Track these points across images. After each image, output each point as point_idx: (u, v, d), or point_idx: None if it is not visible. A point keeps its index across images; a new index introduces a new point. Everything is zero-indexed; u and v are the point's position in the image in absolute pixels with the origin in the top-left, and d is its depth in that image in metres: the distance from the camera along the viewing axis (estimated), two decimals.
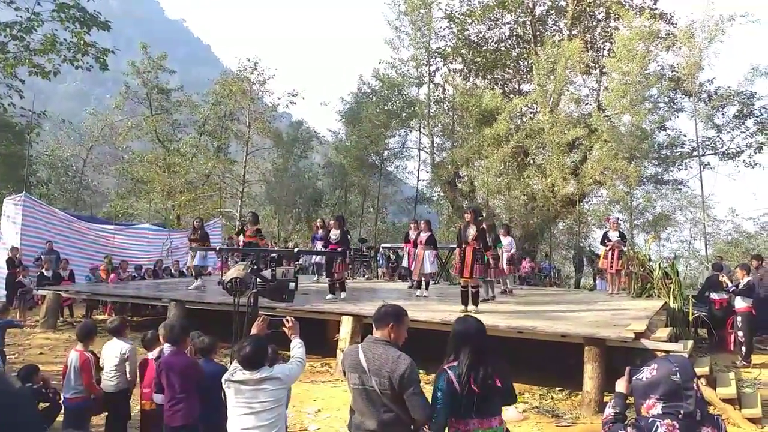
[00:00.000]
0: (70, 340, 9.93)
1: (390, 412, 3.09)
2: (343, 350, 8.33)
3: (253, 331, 3.97)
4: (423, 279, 11.36)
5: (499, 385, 3.15)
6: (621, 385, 2.60)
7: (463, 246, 8.98)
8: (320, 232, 12.63)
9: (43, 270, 13.59)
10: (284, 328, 3.98)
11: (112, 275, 14.59)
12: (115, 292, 12.38)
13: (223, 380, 3.62)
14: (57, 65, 15.09)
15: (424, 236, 11.22)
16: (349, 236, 11.89)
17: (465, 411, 3.11)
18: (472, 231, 8.94)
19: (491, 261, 9.99)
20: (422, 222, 11.80)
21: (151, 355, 5.34)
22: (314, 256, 13.97)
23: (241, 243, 11.64)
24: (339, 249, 10.52)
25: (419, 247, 11.22)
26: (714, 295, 10.75)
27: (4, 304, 7.70)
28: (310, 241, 13.57)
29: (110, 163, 31.18)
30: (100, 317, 13.20)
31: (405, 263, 12.51)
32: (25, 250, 14.51)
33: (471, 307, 8.97)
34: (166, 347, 5.11)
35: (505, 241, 12.03)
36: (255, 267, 4.83)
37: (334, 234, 10.80)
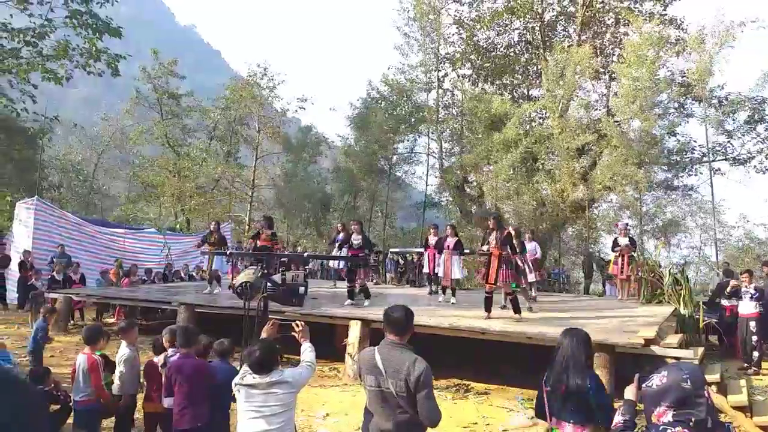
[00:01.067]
0: (80, 343, 9.95)
1: (405, 414, 3.15)
2: (352, 354, 8.37)
3: (263, 335, 4.00)
4: (450, 286, 11.34)
5: (564, 391, 3.47)
6: (630, 392, 2.59)
7: (488, 253, 8.98)
8: (341, 235, 12.62)
9: (55, 273, 13.70)
10: (294, 333, 4.01)
11: (125, 279, 14.67)
12: (125, 295, 12.45)
13: (233, 384, 3.64)
14: (69, 71, 15.26)
15: (451, 241, 11.20)
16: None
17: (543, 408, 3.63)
18: (494, 237, 8.95)
19: (520, 266, 9.89)
20: (448, 227, 11.76)
21: (157, 359, 5.38)
22: (335, 263, 13.80)
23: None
24: (362, 254, 10.52)
25: (446, 253, 11.20)
26: (725, 302, 10.67)
27: (52, 306, 7.11)
28: (331, 243, 13.46)
29: (121, 168, 31.47)
30: (110, 320, 13.30)
31: (426, 269, 12.50)
32: (36, 253, 14.64)
33: (515, 315, 8.93)
34: (171, 351, 5.15)
35: (530, 246, 12.01)
36: (265, 271, 4.86)
37: (356, 239, 10.74)
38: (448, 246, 11.16)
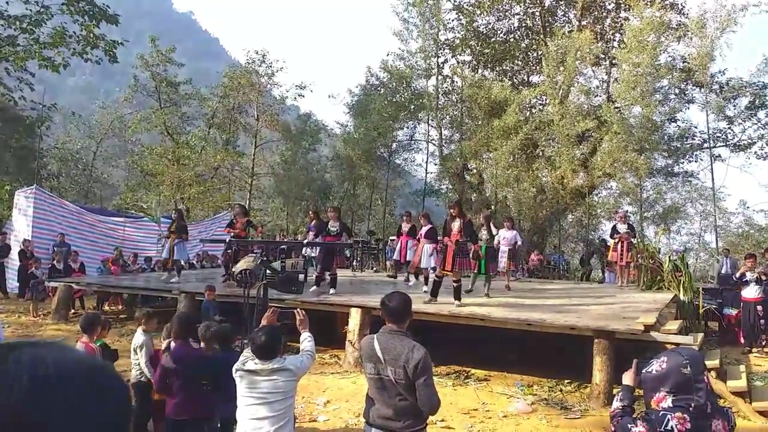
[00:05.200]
0: (81, 332, 10.01)
1: (405, 400, 3.17)
2: (352, 342, 8.39)
3: (263, 322, 3.99)
4: (423, 273, 11.29)
5: None
6: (628, 378, 2.58)
7: (447, 239, 9.06)
8: (313, 223, 12.50)
9: (55, 262, 13.72)
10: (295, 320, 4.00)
11: (114, 267, 14.62)
12: (125, 284, 12.48)
13: (234, 369, 3.63)
14: (66, 58, 15.17)
15: (424, 229, 11.16)
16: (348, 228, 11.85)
17: None
18: (456, 224, 8.99)
19: (480, 254, 9.91)
20: (421, 215, 11.75)
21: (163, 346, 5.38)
22: (307, 250, 13.53)
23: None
24: (341, 240, 10.44)
25: (420, 240, 11.17)
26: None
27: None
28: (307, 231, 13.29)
29: (120, 156, 31.38)
30: (111, 309, 13.34)
31: (396, 256, 12.55)
32: (36, 242, 14.65)
33: (455, 302, 8.95)
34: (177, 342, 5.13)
35: (509, 234, 11.96)
36: (265, 259, 4.85)
37: (333, 226, 10.50)
38: (421, 234, 11.12)
